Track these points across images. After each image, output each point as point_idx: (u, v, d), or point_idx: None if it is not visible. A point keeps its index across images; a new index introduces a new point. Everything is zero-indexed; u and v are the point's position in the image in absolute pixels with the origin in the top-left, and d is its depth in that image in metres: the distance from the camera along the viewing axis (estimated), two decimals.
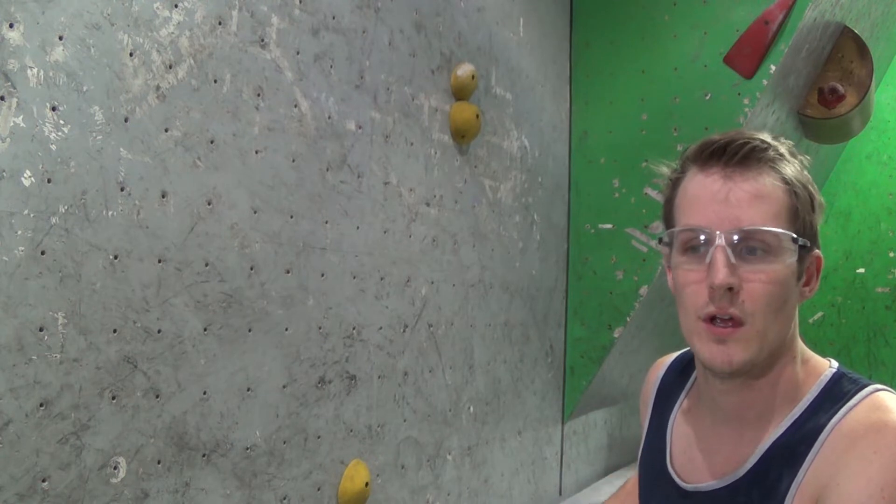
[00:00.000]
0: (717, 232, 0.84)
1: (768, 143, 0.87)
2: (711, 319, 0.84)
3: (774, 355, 0.87)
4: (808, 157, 0.92)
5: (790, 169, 0.87)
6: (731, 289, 0.83)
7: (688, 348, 1.08)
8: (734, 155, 0.85)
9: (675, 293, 0.91)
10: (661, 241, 0.93)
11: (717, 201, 0.85)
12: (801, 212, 0.86)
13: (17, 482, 1.03)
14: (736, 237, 0.83)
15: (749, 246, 0.84)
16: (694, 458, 0.95)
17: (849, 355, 3.24)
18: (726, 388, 0.90)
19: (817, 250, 0.90)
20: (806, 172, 0.90)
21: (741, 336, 0.83)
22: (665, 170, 0.94)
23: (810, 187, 0.88)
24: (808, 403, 0.87)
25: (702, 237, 0.85)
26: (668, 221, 0.93)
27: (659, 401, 1.05)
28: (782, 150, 0.88)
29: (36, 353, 1.06)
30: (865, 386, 0.86)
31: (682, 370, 1.06)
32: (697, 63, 2.29)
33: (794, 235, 0.85)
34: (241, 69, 1.38)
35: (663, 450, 0.99)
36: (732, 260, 0.83)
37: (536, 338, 2.35)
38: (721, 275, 0.82)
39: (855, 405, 0.83)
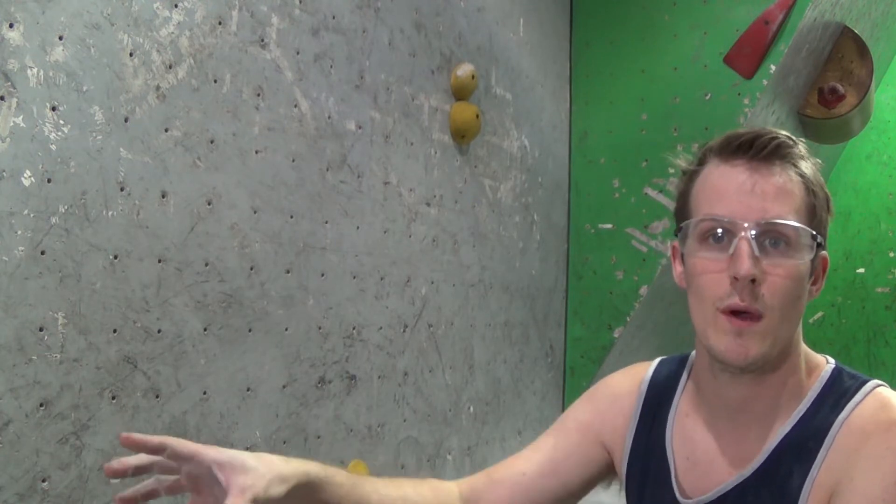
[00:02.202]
0: (744, 223, 0.84)
1: (794, 140, 0.88)
2: (731, 312, 0.84)
3: (784, 351, 0.87)
4: (819, 161, 0.92)
5: (809, 168, 0.88)
6: (753, 280, 0.83)
7: (662, 357, 1.06)
8: (762, 149, 0.85)
9: (686, 283, 0.91)
10: (677, 231, 0.92)
11: (742, 192, 0.85)
12: (818, 210, 0.88)
13: (17, 482, 1.03)
14: (761, 229, 0.84)
15: (772, 239, 0.84)
16: (697, 463, 0.93)
17: (849, 355, 3.23)
18: (735, 382, 0.89)
19: (825, 251, 0.91)
20: (818, 173, 0.90)
21: (758, 329, 0.83)
22: (682, 162, 0.94)
23: (825, 188, 0.90)
24: (812, 399, 0.87)
25: (724, 227, 0.85)
26: (683, 213, 0.92)
27: (646, 413, 1.00)
28: (803, 149, 0.89)
29: (36, 353, 1.06)
30: (865, 381, 0.87)
31: (668, 379, 1.01)
32: (697, 63, 2.29)
33: (814, 232, 0.86)
34: (241, 69, 1.38)
35: (667, 469, 0.95)
36: (756, 252, 0.83)
37: (536, 338, 2.35)
38: (746, 265, 0.82)
39: (860, 401, 0.85)
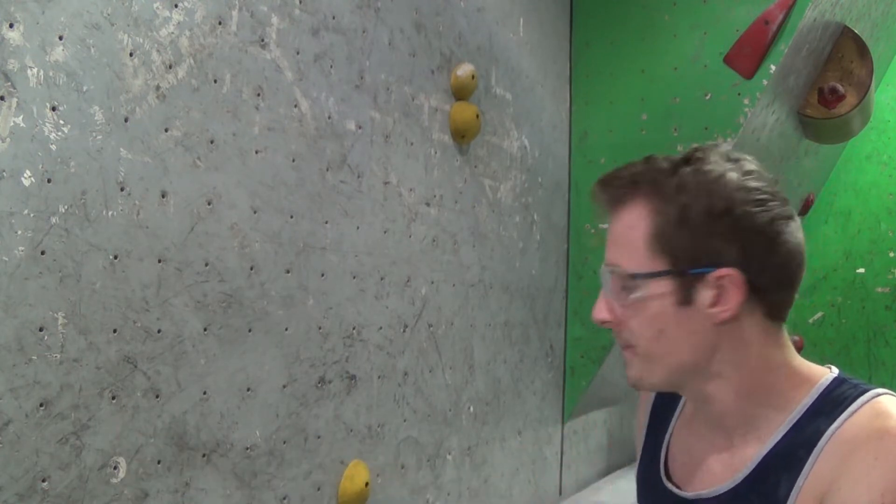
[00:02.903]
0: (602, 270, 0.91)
1: (621, 180, 0.88)
2: None
3: (695, 373, 0.88)
4: (750, 158, 0.86)
5: (668, 189, 0.83)
6: (608, 322, 0.89)
7: None
8: (601, 193, 0.91)
9: None
10: None
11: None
12: (674, 238, 0.82)
13: (17, 482, 1.03)
14: (603, 275, 0.91)
15: (618, 283, 0.89)
16: (694, 464, 0.94)
17: (849, 355, 3.23)
18: (687, 397, 0.98)
19: (727, 269, 0.82)
20: (706, 185, 0.82)
21: (632, 356, 0.90)
22: None
23: (713, 194, 0.81)
24: (805, 408, 0.85)
25: None
26: None
27: (653, 421, 1.05)
28: (662, 165, 0.85)
29: (36, 353, 1.06)
30: (866, 391, 0.84)
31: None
32: (697, 63, 2.29)
33: (637, 272, 0.85)
34: (241, 69, 1.38)
35: (657, 462, 0.99)
36: (608, 296, 0.89)
37: (536, 338, 2.35)
38: (594, 311, 0.90)
39: (856, 410, 0.82)
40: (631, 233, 0.87)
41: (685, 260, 0.83)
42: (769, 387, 0.87)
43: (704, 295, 0.83)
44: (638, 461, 1.07)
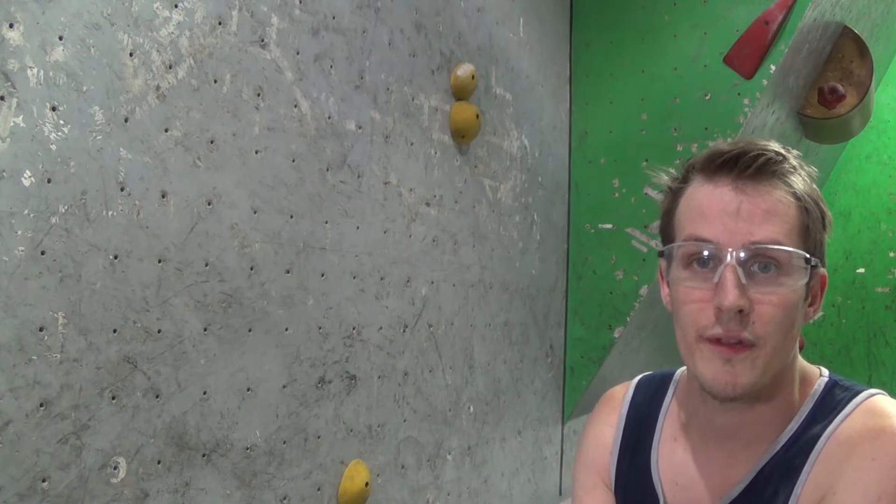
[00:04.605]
0: (728, 249, 0.78)
1: (783, 155, 0.82)
2: (717, 340, 0.79)
3: (777, 379, 0.83)
4: (815, 169, 0.87)
5: (802, 183, 0.83)
6: (741, 311, 0.77)
7: (642, 374, 1.04)
8: (747, 167, 0.80)
9: (671, 309, 0.86)
10: (660, 254, 0.87)
11: (727, 214, 0.79)
12: (812, 229, 0.83)
13: (17, 482, 1.03)
14: (748, 254, 0.78)
15: (761, 264, 0.79)
16: (685, 488, 0.90)
17: (849, 355, 3.23)
18: (724, 410, 0.85)
19: (823, 269, 0.86)
20: (814, 186, 0.85)
21: (748, 357, 0.78)
22: (665, 178, 0.89)
23: (821, 203, 0.84)
24: (803, 417, 0.84)
25: (708, 252, 0.80)
26: (667, 235, 0.87)
27: (629, 443, 0.97)
28: (794, 162, 0.83)
29: (36, 353, 1.06)
30: (859, 392, 0.83)
31: (651, 400, 0.98)
32: (697, 63, 2.29)
33: (807, 255, 0.81)
34: (241, 69, 1.38)
35: (655, 497, 0.92)
36: (743, 280, 0.77)
37: (536, 338, 2.35)
38: (731, 297, 0.76)
39: (850, 412, 0.81)
40: (788, 212, 0.80)
41: (816, 252, 0.83)
42: (790, 394, 0.85)
43: (809, 291, 0.84)
44: (613, 487, 0.97)
